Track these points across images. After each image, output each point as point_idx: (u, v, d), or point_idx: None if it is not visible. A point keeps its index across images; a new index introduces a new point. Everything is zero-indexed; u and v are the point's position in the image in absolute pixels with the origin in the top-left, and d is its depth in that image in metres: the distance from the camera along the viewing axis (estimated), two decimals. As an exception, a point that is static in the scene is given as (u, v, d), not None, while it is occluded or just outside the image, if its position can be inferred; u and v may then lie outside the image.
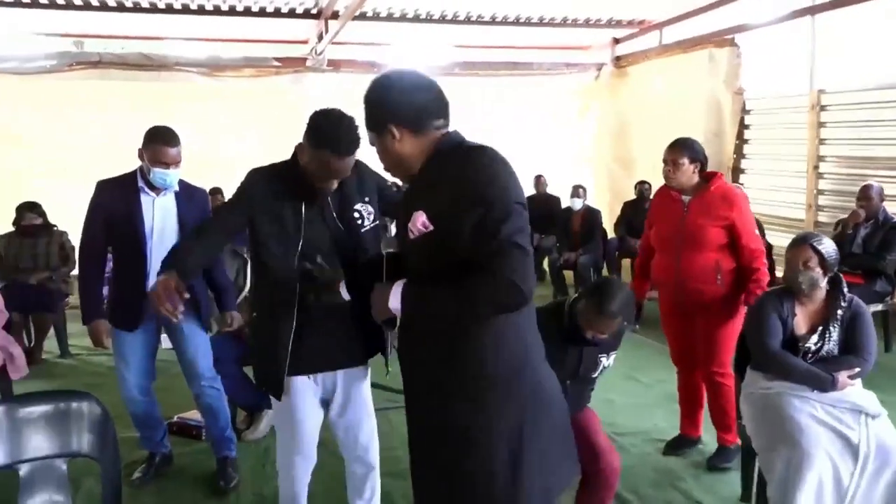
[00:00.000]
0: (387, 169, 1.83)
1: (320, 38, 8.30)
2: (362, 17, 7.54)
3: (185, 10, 7.38)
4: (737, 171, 7.84)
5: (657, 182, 7.44)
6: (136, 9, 7.25)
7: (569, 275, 7.24)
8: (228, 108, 8.08)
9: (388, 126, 1.71)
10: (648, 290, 3.59)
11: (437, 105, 1.74)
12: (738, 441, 3.25)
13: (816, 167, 6.77)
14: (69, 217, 5.80)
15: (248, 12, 7.61)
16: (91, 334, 3.23)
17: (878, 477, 2.40)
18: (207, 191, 3.60)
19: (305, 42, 8.83)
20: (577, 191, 7.05)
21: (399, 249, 1.85)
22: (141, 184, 3.14)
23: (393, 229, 5.89)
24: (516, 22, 8.51)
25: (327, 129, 2.20)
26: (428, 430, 1.82)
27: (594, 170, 9.77)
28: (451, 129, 1.77)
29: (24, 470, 2.23)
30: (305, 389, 2.39)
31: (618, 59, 9.47)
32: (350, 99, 7.96)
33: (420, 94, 1.73)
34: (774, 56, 7.37)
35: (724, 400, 3.29)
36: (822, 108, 6.70)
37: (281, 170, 2.34)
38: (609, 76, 9.50)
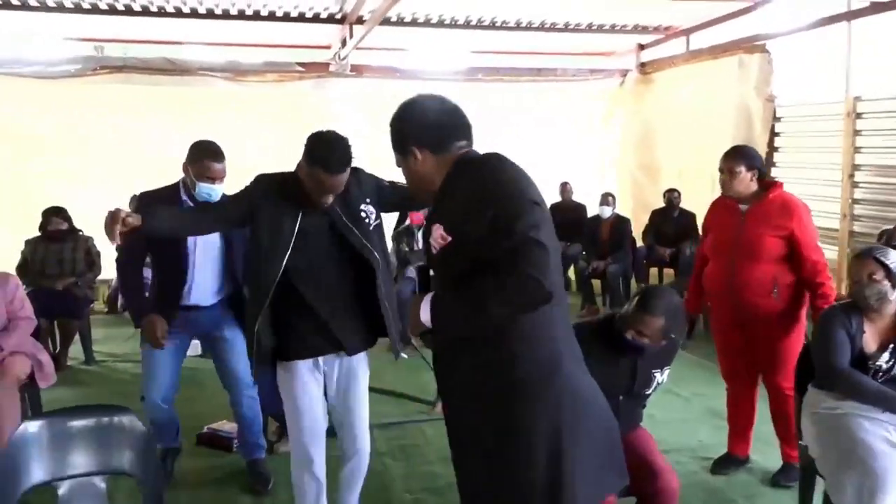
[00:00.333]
0: (411, 189, 1.94)
1: (344, 42, 8.26)
2: (386, 21, 7.46)
3: (210, 14, 7.33)
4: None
5: (685, 190, 7.51)
6: (161, 13, 7.21)
7: (597, 284, 7.12)
8: (251, 113, 8.03)
9: (411, 148, 1.81)
10: (702, 303, 3.47)
11: (458, 128, 1.82)
12: (799, 459, 3.14)
13: (852, 176, 6.61)
14: (92, 222, 5.77)
15: (271, 17, 7.56)
16: (147, 331, 3.11)
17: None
18: None
19: (328, 47, 8.78)
20: (606, 199, 6.93)
21: (426, 264, 1.92)
22: (185, 197, 3.14)
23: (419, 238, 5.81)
24: (541, 27, 8.41)
25: (320, 149, 2.43)
26: (466, 433, 1.82)
27: (618, 177, 9.65)
28: (466, 148, 1.82)
29: (63, 488, 2.15)
30: (303, 371, 2.60)
31: (643, 65, 9.35)
32: (372, 104, 8.04)
33: (441, 118, 1.82)
34: (808, 62, 7.24)
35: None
36: (858, 115, 6.55)
37: (286, 179, 2.53)
38: (634, 82, 9.38)
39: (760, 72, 7.53)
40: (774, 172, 7.70)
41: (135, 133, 7.86)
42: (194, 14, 7.30)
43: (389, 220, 7.67)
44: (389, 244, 7.53)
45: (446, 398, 1.89)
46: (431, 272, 1.87)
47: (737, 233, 3.13)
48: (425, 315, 1.68)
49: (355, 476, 2.78)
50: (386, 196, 2.72)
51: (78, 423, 2.15)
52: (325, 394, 2.70)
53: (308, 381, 2.61)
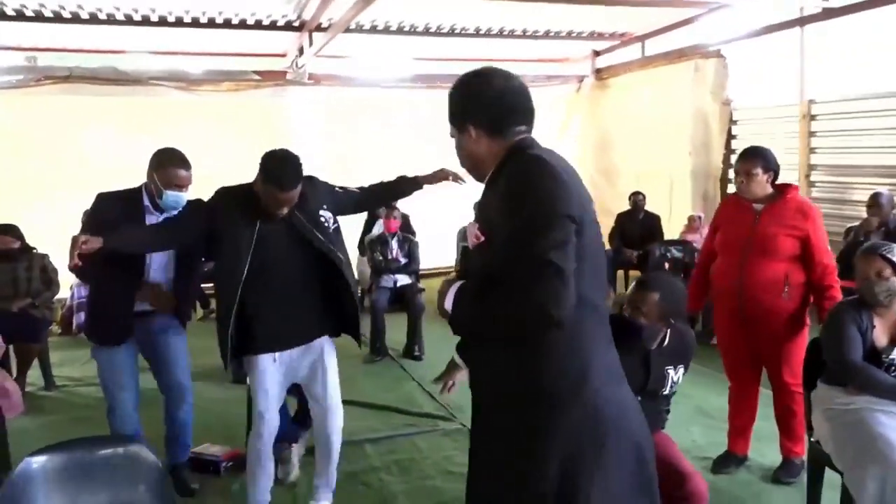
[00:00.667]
0: (462, 165, 1.80)
1: (301, 51, 8.10)
2: (347, 29, 7.35)
3: (163, 22, 7.09)
4: (725, 181, 7.87)
5: (644, 193, 7.61)
6: (111, 21, 6.93)
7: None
8: (206, 122, 7.80)
9: (467, 125, 1.69)
10: (704, 300, 3.49)
11: (520, 111, 1.70)
12: (804, 455, 3.18)
13: (808, 176, 6.83)
14: (45, 238, 5.48)
15: (227, 24, 7.36)
16: (160, 299, 3.14)
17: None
18: None
19: (283, 55, 8.61)
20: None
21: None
22: (147, 203, 3.10)
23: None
24: (499, 34, 8.46)
25: (272, 168, 2.66)
26: (485, 430, 1.75)
27: (577, 182, 9.73)
28: (528, 134, 1.71)
29: (73, 527, 1.98)
30: (267, 364, 2.83)
31: (598, 71, 9.48)
32: (331, 112, 7.88)
33: (505, 98, 1.68)
34: (762, 67, 7.45)
35: (801, 413, 3.19)
36: (813, 117, 6.78)
37: (244, 191, 2.76)
38: (590, 88, 9.51)
39: (716, 76, 7.72)
40: (732, 174, 7.88)
41: (83, 145, 7.53)
42: (146, 22, 7.05)
43: (354, 226, 7.57)
44: (353, 253, 7.45)
45: (473, 390, 1.80)
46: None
47: (750, 231, 3.15)
48: (448, 304, 1.65)
49: (332, 448, 3.05)
50: (339, 201, 2.99)
51: (87, 456, 2.00)
52: (293, 381, 3.00)
53: (272, 374, 2.86)
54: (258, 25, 7.49)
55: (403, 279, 5.84)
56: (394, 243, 5.94)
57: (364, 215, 7.43)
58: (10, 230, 5.19)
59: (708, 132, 7.86)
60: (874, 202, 5.02)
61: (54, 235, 6.71)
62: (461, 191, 9.07)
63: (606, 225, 7.83)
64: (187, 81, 7.97)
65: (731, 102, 7.69)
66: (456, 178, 3.18)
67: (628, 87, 8.98)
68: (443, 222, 7.97)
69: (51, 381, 5.12)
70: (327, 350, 2.98)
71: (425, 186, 3.29)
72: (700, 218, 7.21)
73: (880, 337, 2.60)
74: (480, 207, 1.74)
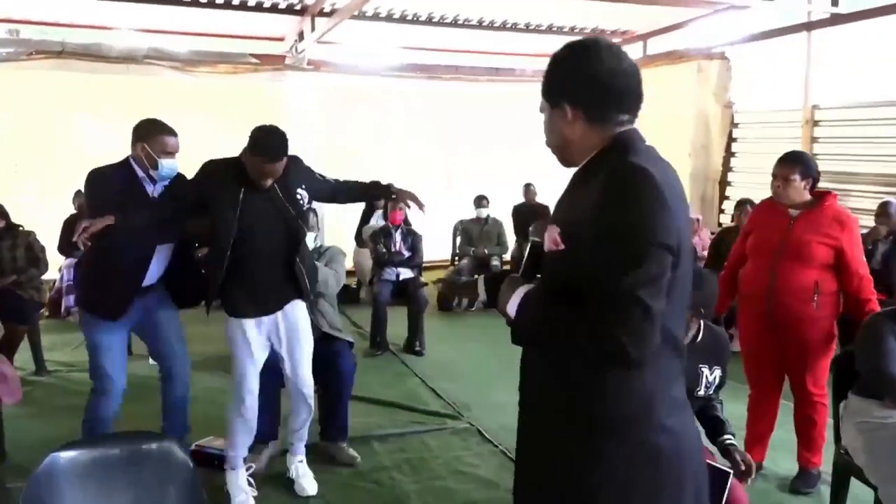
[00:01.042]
0: (547, 144, 1.60)
1: (301, 35, 7.95)
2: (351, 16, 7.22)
3: (164, 0, 6.89)
4: (724, 183, 7.88)
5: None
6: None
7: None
8: (201, 105, 7.62)
9: (563, 103, 1.49)
10: (730, 304, 3.45)
11: (627, 96, 1.48)
12: (821, 466, 3.16)
13: (809, 182, 6.82)
14: (31, 216, 5.31)
15: (227, 5, 7.18)
16: None
17: None
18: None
19: (282, 39, 8.45)
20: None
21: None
22: (142, 175, 3.09)
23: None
24: (502, 27, 8.36)
25: (261, 139, 2.83)
26: (534, 452, 1.61)
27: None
28: (631, 126, 1.51)
29: (100, 530, 1.87)
30: (251, 327, 3.04)
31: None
32: (329, 99, 7.71)
33: (615, 79, 1.46)
34: (767, 70, 7.44)
35: (822, 423, 3.19)
36: (816, 123, 6.78)
37: (231, 163, 2.94)
38: (590, 85, 9.43)
39: (719, 78, 7.70)
40: (731, 177, 7.90)
41: (73, 123, 7.35)
42: (144, -1, 6.85)
43: (352, 217, 7.46)
44: (351, 244, 7.35)
45: (523, 396, 1.66)
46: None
47: (784, 236, 3.10)
48: (510, 309, 1.49)
49: (304, 412, 3.25)
50: (316, 186, 3.14)
51: (114, 453, 1.89)
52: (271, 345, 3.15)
53: (249, 336, 3.03)
54: (259, 7, 7.33)
55: (406, 273, 5.75)
56: (397, 236, 5.84)
57: (361, 205, 7.34)
58: (-6, 208, 5.01)
59: (708, 134, 7.85)
60: (883, 211, 5.02)
61: (42, 214, 6.60)
62: (458, 185, 8.99)
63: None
64: (183, 62, 7.77)
65: (734, 105, 7.68)
66: (420, 206, 3.32)
67: (628, 86, 8.93)
68: (439, 216, 7.87)
69: (42, 365, 4.96)
70: (301, 314, 3.17)
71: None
72: (699, 220, 7.19)
73: (918, 350, 2.57)
74: (563, 208, 1.54)
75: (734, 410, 3.84)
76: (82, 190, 3.30)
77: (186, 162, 3.14)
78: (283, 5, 7.37)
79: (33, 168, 7.09)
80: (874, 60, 6.37)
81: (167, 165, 3.06)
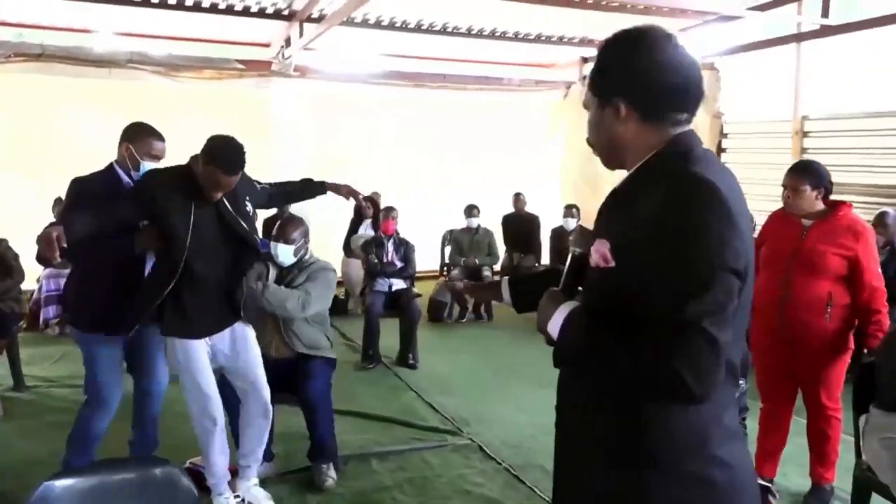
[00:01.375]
0: (592, 143, 1.47)
1: (288, 41, 7.82)
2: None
3: (146, 2, 6.72)
4: (713, 193, 7.86)
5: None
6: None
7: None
8: (185, 110, 7.42)
9: (616, 99, 1.35)
10: None
11: (687, 93, 1.35)
12: (834, 482, 3.12)
13: (799, 192, 6.83)
14: (5, 222, 5.09)
15: (213, 9, 7.03)
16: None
17: None
18: None
19: (267, 45, 8.31)
20: (570, 210, 6.85)
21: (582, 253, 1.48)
22: (126, 180, 3.01)
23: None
24: (491, 35, 8.30)
25: (220, 150, 2.71)
26: (572, 481, 1.50)
27: (561, 189, 9.66)
28: (688, 127, 1.37)
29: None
30: (199, 349, 2.92)
31: (586, 77, 9.40)
32: (315, 107, 7.65)
33: (676, 74, 1.32)
34: (756, 81, 7.45)
35: (835, 437, 3.13)
36: (806, 134, 6.79)
37: (180, 173, 2.81)
38: (578, 95, 9.42)
39: (709, 89, 7.67)
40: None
41: (53, 128, 7.13)
42: (128, 1, 6.67)
43: (341, 227, 7.32)
44: (339, 255, 7.21)
45: (560, 415, 1.54)
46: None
47: (796, 246, 3.04)
48: (553, 328, 1.35)
49: (262, 425, 3.15)
50: (257, 195, 3.10)
51: (112, 480, 1.76)
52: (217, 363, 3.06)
53: (203, 357, 2.93)
54: (246, 12, 7.19)
55: (398, 283, 5.63)
56: (389, 246, 5.72)
57: (350, 214, 7.22)
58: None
59: (698, 144, 7.83)
60: (880, 221, 5.00)
61: (17, 220, 6.36)
62: (448, 194, 8.90)
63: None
64: (167, 66, 7.60)
65: (723, 116, 7.68)
66: (359, 204, 3.49)
67: (616, 96, 8.92)
68: (428, 225, 7.79)
69: (21, 381, 4.75)
70: (247, 330, 3.08)
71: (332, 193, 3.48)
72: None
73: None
74: (612, 219, 1.40)
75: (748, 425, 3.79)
76: (62, 198, 3.21)
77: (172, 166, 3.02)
78: (270, 10, 7.25)
79: (7, 172, 6.86)
80: (864, 71, 6.41)
81: (149, 168, 2.97)
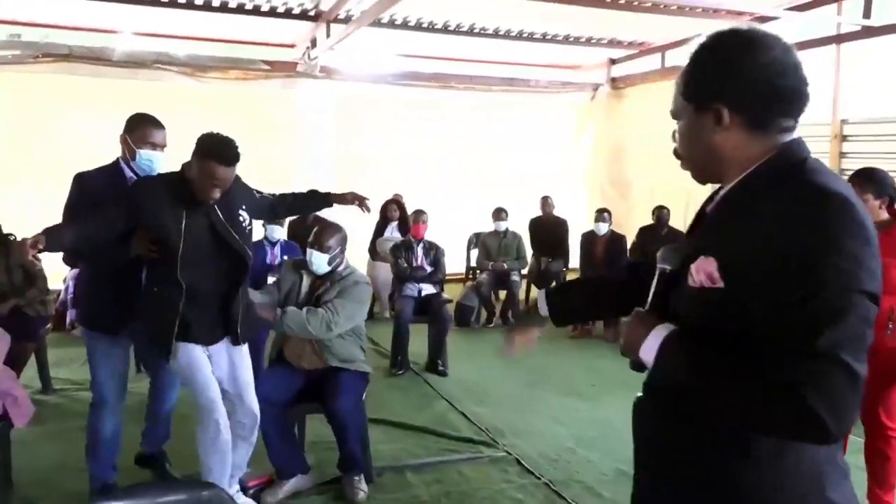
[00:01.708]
0: (682, 154, 1.33)
1: (314, 42, 7.75)
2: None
3: (173, 3, 6.68)
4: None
5: (672, 206, 7.40)
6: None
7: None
8: (210, 111, 7.37)
9: (717, 105, 1.22)
10: None
11: (795, 97, 1.21)
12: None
13: (837, 198, 6.66)
14: (27, 226, 5.02)
15: (240, 10, 6.97)
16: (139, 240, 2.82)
17: None
18: None
19: (292, 46, 8.25)
20: (602, 215, 6.69)
21: (670, 267, 1.35)
22: (129, 174, 2.96)
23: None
24: (518, 36, 8.19)
25: (212, 143, 2.67)
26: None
27: (588, 192, 9.52)
28: (795, 135, 1.24)
29: None
30: (199, 352, 2.86)
31: (614, 80, 9.27)
32: (341, 108, 7.46)
33: (783, 76, 1.19)
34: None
35: (895, 457, 2.99)
36: (845, 138, 6.62)
37: (170, 180, 2.76)
38: (606, 97, 9.29)
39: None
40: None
41: (81, 129, 7.08)
42: (155, 2, 6.63)
43: (366, 230, 7.23)
44: (364, 258, 7.13)
45: (640, 451, 1.40)
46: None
47: None
48: (647, 356, 1.23)
49: (250, 440, 3.06)
50: (257, 204, 3.05)
51: (162, 502, 1.66)
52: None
53: (203, 359, 2.87)
54: (272, 13, 7.12)
55: (428, 288, 5.52)
56: (419, 250, 5.61)
57: (375, 218, 7.12)
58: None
59: (731, 148, 7.66)
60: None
61: (42, 222, 6.32)
62: (472, 197, 8.83)
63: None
64: (193, 67, 7.55)
65: (758, 119, 7.51)
66: (362, 205, 3.32)
67: (645, 98, 8.77)
68: (452, 228, 7.68)
69: (49, 384, 4.70)
70: (243, 349, 3.01)
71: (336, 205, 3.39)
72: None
73: None
74: (714, 236, 1.25)
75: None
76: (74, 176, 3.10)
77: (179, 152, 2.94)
78: (297, 11, 7.17)
79: (34, 174, 6.85)
80: (906, 74, 6.22)
81: (145, 156, 2.90)
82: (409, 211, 6.81)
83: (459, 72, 8.85)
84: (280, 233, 5.10)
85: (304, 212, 3.43)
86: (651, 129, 8.52)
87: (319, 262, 3.33)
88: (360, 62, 8.39)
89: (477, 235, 7.65)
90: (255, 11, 7.04)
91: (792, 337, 1.06)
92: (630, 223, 7.65)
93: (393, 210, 7.04)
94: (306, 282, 3.40)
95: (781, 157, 1.21)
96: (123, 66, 7.23)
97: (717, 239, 1.24)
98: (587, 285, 1.64)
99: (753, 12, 6.74)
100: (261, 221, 4.99)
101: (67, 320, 5.99)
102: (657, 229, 7.05)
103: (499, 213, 7.08)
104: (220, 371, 2.95)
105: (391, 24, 7.52)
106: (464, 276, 7.85)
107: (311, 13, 7.24)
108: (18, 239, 4.62)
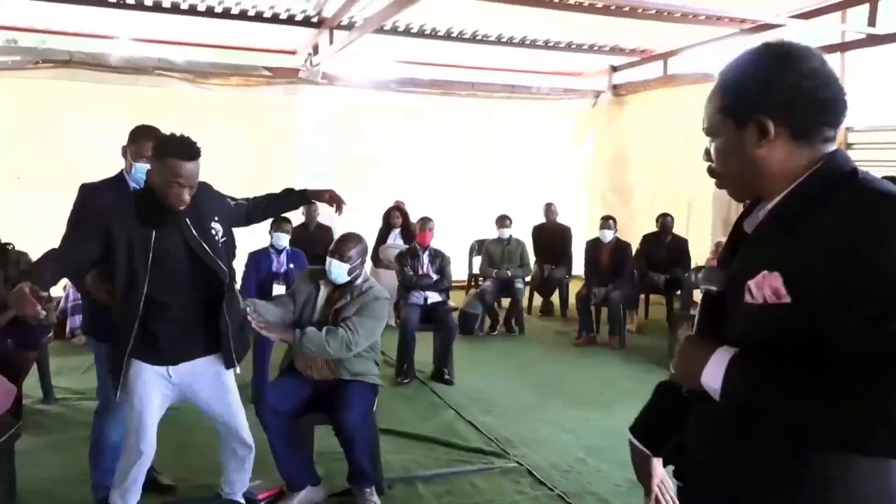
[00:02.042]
0: (721, 173, 1.28)
1: (315, 49, 7.73)
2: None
3: (175, 9, 6.64)
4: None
5: (674, 213, 7.37)
6: (121, 5, 6.45)
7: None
8: (212, 118, 7.35)
9: (761, 118, 1.18)
10: None
11: (839, 107, 1.19)
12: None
13: (842, 206, 6.65)
14: (26, 232, 4.98)
15: (242, 16, 6.94)
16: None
17: None
18: None
19: (293, 53, 8.24)
20: (607, 222, 6.65)
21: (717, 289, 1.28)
22: (133, 186, 2.91)
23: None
24: (521, 43, 8.19)
25: (170, 142, 2.53)
26: None
27: (590, 198, 9.50)
28: (833, 146, 1.21)
29: None
30: (152, 374, 2.67)
31: (615, 87, 9.27)
32: (343, 114, 7.40)
33: (826, 86, 1.17)
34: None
35: None
36: (850, 146, 6.60)
37: (136, 198, 2.63)
38: (607, 104, 9.28)
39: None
40: (757, 199, 7.70)
41: (77, 135, 7.05)
42: (157, 8, 6.59)
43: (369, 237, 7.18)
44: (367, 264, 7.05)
45: (690, 471, 1.34)
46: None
47: None
48: (712, 381, 1.16)
49: (246, 463, 2.91)
50: (233, 213, 2.89)
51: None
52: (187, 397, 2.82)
53: (153, 384, 2.68)
54: (275, 19, 7.10)
55: (434, 296, 5.47)
56: (425, 257, 5.57)
57: (378, 224, 7.08)
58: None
59: (733, 156, 7.65)
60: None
61: (43, 229, 6.25)
62: (474, 203, 8.79)
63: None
64: (194, 73, 7.51)
65: (762, 127, 7.50)
66: (339, 207, 3.12)
67: (647, 105, 8.77)
68: (454, 235, 7.64)
69: (50, 392, 4.63)
70: (225, 369, 2.80)
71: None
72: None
73: None
74: (773, 249, 1.19)
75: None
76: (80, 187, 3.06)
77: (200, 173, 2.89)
78: (299, 18, 7.15)
79: (26, 180, 6.80)
80: (911, 82, 6.22)
81: (140, 170, 2.82)
82: (412, 218, 6.78)
83: (461, 78, 8.85)
84: (285, 240, 5.05)
85: (282, 211, 3.31)
86: (652, 136, 8.53)
87: (339, 271, 3.25)
88: (362, 69, 8.37)
89: (479, 242, 7.61)
90: (258, 18, 7.02)
91: (872, 353, 1.02)
92: (632, 230, 7.63)
93: (396, 217, 7.00)
94: (323, 293, 3.31)
95: (829, 167, 1.18)
96: (124, 73, 7.18)
97: (774, 253, 1.18)
98: (666, 400, 1.51)
99: (757, 20, 6.73)
100: (268, 229, 4.98)
101: (68, 328, 5.93)
102: (661, 237, 7.03)
103: (503, 220, 7.04)
104: (205, 393, 2.78)
105: (394, 30, 7.51)
106: (466, 284, 7.81)
107: (314, 20, 7.22)
108: (16, 248, 4.66)
